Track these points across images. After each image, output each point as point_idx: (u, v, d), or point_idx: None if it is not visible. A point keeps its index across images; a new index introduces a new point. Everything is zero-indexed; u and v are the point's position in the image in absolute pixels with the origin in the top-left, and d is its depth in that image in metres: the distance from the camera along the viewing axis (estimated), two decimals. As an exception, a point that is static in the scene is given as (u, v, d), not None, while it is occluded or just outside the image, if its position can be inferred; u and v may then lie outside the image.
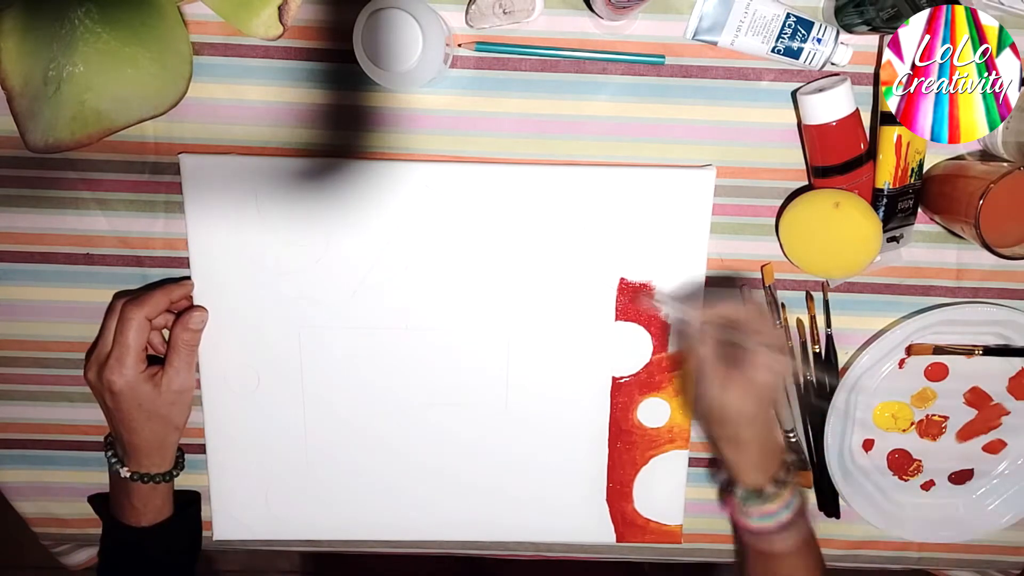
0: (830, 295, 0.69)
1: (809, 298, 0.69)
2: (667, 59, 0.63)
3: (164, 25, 0.59)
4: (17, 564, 1.47)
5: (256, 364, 0.69)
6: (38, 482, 0.74)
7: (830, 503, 0.73)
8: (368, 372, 0.69)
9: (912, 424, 0.73)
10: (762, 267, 0.68)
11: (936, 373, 0.72)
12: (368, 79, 0.57)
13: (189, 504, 0.71)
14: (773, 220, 0.67)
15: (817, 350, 0.70)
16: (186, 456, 0.71)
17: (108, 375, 0.63)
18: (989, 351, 0.70)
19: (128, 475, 0.66)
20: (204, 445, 0.71)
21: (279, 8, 0.59)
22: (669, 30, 0.63)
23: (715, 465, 0.73)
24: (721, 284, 0.69)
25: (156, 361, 0.66)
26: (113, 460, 0.67)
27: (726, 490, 0.65)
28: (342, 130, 0.65)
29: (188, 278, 0.67)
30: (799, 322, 0.70)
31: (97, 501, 0.72)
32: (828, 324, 0.69)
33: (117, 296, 0.67)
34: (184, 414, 0.67)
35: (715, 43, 0.62)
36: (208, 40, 0.63)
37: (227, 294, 0.67)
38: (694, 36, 0.62)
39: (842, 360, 0.71)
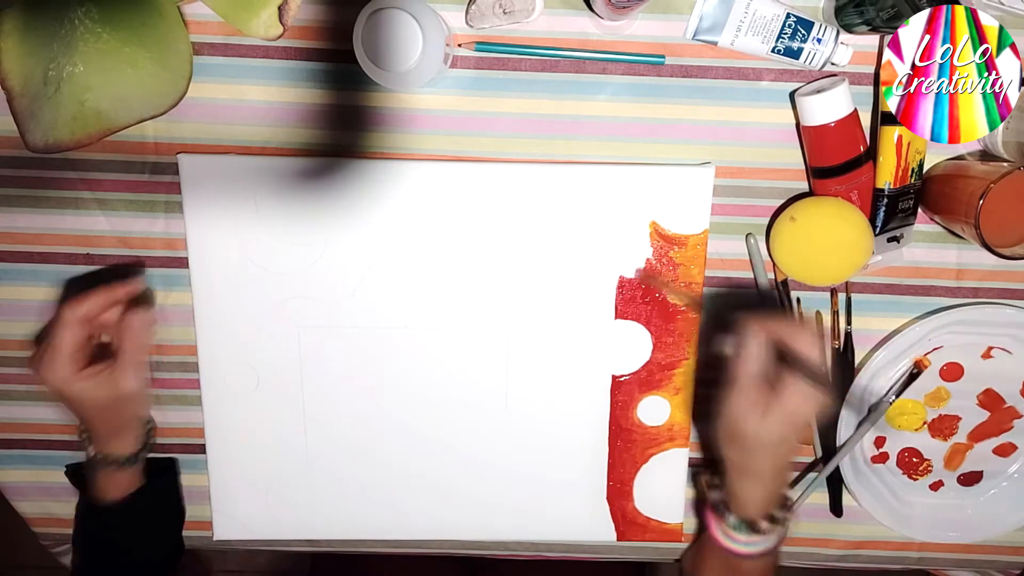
0: (848, 294, 0.69)
1: (833, 293, 0.69)
2: (667, 59, 0.63)
3: (164, 25, 0.59)
4: (17, 564, 1.47)
5: (255, 364, 0.69)
6: (38, 482, 0.74)
7: (834, 501, 0.74)
8: (367, 372, 0.69)
9: (924, 423, 0.73)
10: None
11: (951, 373, 0.71)
12: (368, 79, 0.57)
13: (160, 473, 0.69)
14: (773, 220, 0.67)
15: (837, 346, 0.70)
16: (186, 456, 0.71)
17: (41, 372, 0.60)
18: None
19: (93, 455, 0.64)
20: (204, 445, 0.71)
21: (279, 8, 0.59)
22: (669, 30, 0.63)
23: (710, 472, 0.70)
24: (721, 284, 0.69)
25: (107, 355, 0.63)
26: (83, 437, 0.66)
27: (716, 508, 0.64)
28: (342, 130, 0.65)
29: (186, 278, 0.67)
30: (818, 316, 0.69)
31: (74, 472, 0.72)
32: (848, 321, 0.69)
33: (68, 284, 0.66)
34: (137, 409, 0.65)
35: (715, 43, 0.62)
36: (208, 40, 0.63)
37: (226, 294, 0.67)
38: (694, 36, 0.62)
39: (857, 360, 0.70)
